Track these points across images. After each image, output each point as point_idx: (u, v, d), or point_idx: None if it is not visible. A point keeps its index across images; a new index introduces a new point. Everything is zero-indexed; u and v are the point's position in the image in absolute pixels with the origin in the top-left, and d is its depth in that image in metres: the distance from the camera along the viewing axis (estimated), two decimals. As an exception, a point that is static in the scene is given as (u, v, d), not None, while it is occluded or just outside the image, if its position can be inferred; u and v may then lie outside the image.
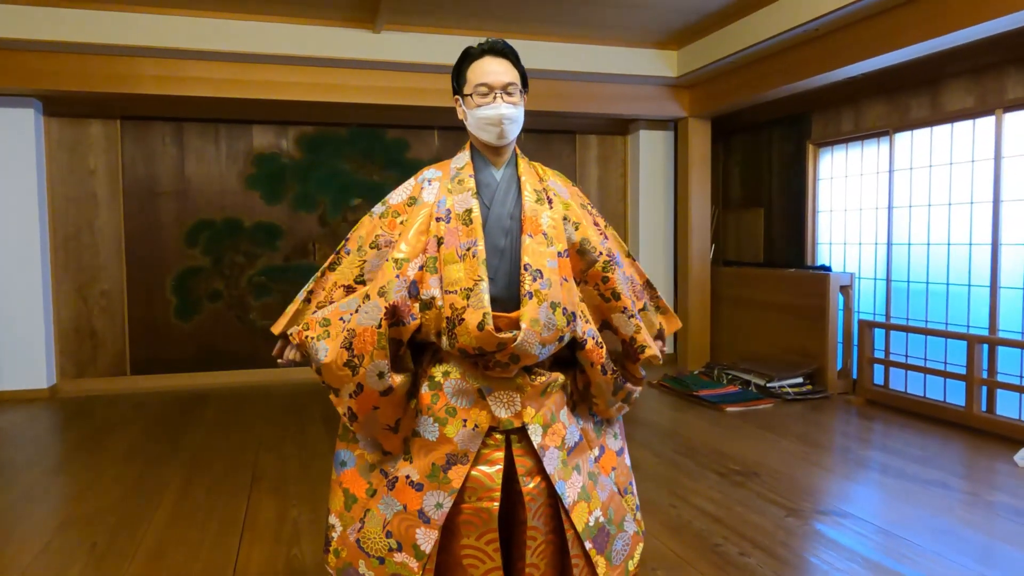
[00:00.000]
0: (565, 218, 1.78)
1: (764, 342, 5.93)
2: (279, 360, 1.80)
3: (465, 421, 1.70)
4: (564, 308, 1.70)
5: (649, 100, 6.09)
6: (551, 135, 6.67)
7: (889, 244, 5.17)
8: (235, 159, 5.97)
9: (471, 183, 1.77)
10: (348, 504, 1.77)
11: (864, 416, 4.71)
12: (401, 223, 1.77)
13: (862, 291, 5.46)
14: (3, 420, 4.76)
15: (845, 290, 5.34)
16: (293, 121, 6.04)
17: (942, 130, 4.77)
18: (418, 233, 1.73)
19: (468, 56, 1.80)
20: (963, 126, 4.64)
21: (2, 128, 5.24)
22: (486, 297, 1.64)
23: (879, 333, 5.07)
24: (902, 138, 5.06)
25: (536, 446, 1.71)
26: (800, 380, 5.30)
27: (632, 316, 1.81)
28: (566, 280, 1.73)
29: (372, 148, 6.24)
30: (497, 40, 1.80)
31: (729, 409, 4.88)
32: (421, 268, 1.70)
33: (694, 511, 3.07)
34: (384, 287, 1.67)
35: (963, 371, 4.42)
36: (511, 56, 1.80)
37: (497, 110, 1.74)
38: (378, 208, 1.82)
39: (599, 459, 1.86)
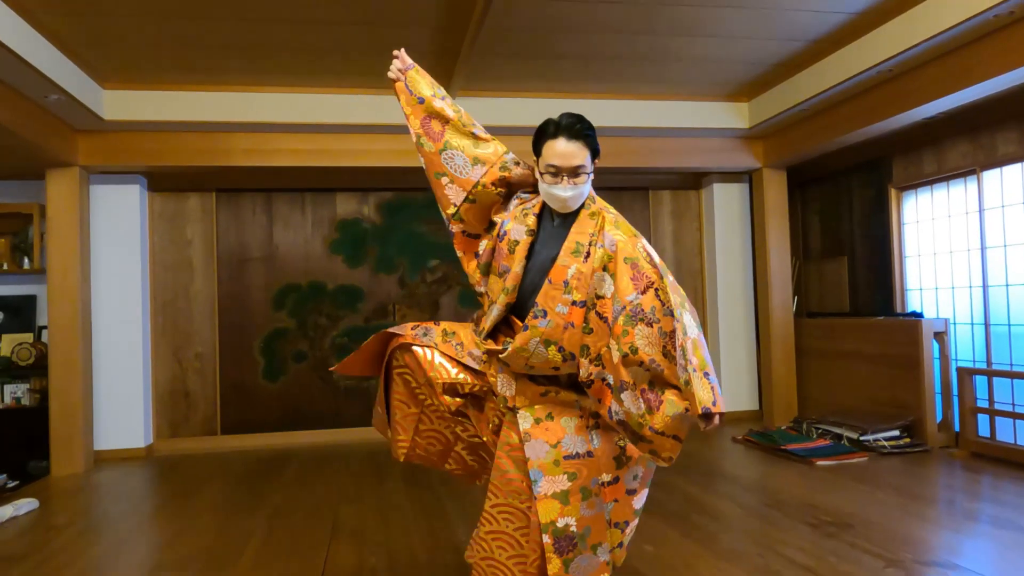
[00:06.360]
0: (605, 268, 1.91)
1: (854, 395, 5.66)
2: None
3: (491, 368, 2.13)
4: (560, 347, 1.96)
5: (722, 152, 6.09)
6: (623, 192, 6.72)
7: (985, 286, 4.91)
8: (320, 225, 6.26)
9: (530, 221, 2.05)
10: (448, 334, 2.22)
11: (970, 469, 4.40)
12: (494, 187, 2.14)
13: (958, 337, 5.17)
14: (103, 476, 5.00)
15: (940, 337, 5.07)
16: (373, 188, 6.31)
17: (1034, 165, 4.58)
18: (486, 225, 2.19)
19: (545, 132, 2.00)
20: (1056, 160, 4.43)
21: (112, 203, 5.67)
22: (493, 315, 2.07)
23: (980, 381, 4.77)
24: (991, 176, 4.87)
25: (522, 431, 2.00)
26: (897, 433, 5.01)
27: (631, 390, 1.87)
28: (572, 326, 1.95)
29: (448, 211, 6.40)
30: (573, 120, 1.96)
31: (820, 463, 4.65)
32: (477, 256, 2.19)
33: (783, 561, 2.91)
34: (445, 203, 2.20)
35: (1078, 418, 4.10)
36: (583, 136, 1.95)
37: (562, 192, 1.97)
38: (510, 157, 2.18)
39: (607, 484, 2.02)
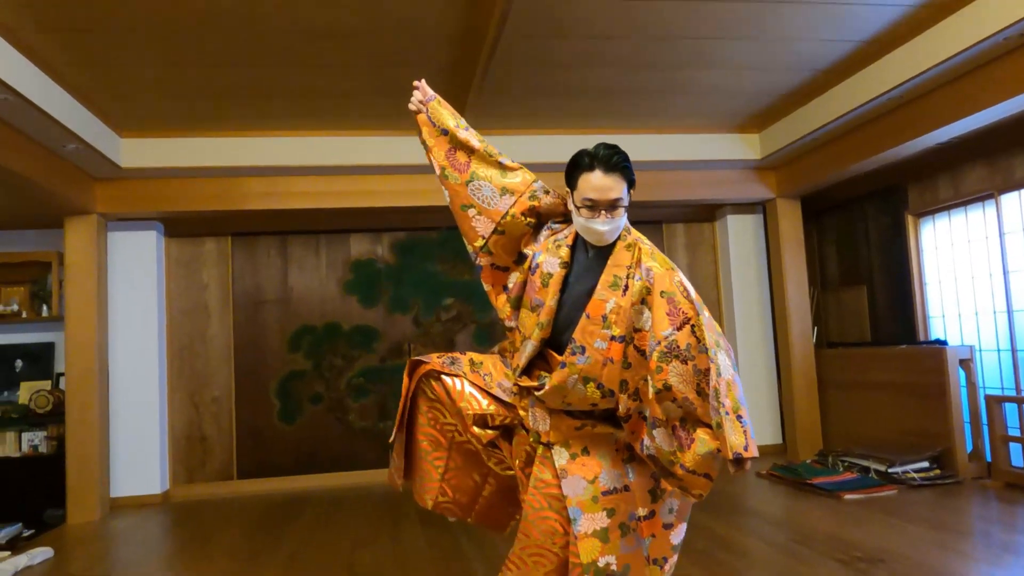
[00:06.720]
0: (643, 301, 1.86)
1: (880, 426, 5.52)
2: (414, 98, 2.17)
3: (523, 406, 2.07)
4: (599, 384, 1.90)
5: (735, 184, 6.07)
6: (637, 225, 6.63)
7: (1009, 311, 4.81)
8: (334, 267, 6.28)
9: (564, 253, 1.99)
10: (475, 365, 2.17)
11: (1004, 500, 4.25)
12: (524, 217, 2.07)
13: (985, 364, 5.05)
14: (119, 523, 4.95)
15: (966, 364, 4.96)
16: (387, 228, 6.33)
17: (1053, 187, 4.51)
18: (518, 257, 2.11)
19: (579, 165, 1.93)
20: (1076, 181, 4.37)
21: (129, 249, 5.73)
22: (527, 351, 2.00)
23: (1011, 408, 4.65)
24: (1009, 199, 4.80)
25: (558, 467, 1.95)
26: (926, 464, 4.87)
27: (664, 426, 1.84)
28: (611, 362, 1.88)
29: (462, 249, 6.33)
30: (610, 152, 1.89)
31: (848, 497, 4.52)
32: (506, 289, 2.12)
33: (814, 599, 2.80)
34: (473, 236, 2.11)
35: (1115, 445, 3.96)
36: (620, 168, 1.89)
37: (600, 226, 1.91)
38: (539, 185, 2.10)
39: (643, 519, 1.96)
